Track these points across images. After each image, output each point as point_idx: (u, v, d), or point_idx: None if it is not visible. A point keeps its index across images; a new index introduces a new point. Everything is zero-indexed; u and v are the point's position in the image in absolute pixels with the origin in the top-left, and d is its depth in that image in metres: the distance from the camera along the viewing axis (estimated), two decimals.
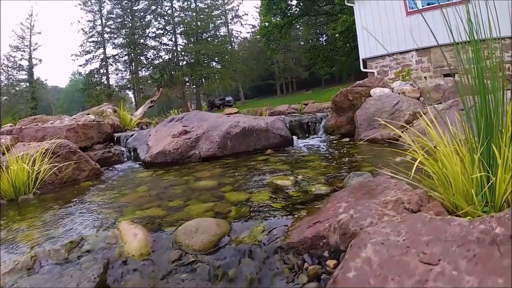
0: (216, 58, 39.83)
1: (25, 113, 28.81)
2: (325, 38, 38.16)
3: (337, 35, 26.50)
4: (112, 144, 4.35)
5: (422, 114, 1.99)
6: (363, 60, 11.84)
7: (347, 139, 3.87)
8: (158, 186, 2.39)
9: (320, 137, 4.45)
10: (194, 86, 39.49)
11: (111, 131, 4.49)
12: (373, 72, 11.18)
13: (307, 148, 3.55)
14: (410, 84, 4.21)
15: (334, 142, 3.83)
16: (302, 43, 44.22)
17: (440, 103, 3.50)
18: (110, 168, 3.54)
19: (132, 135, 4.17)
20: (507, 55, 9.46)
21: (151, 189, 2.31)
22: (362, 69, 11.66)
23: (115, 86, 36.98)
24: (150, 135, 3.76)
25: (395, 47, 11.02)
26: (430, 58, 10.74)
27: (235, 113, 7.69)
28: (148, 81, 39.53)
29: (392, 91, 4.06)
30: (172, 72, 36.49)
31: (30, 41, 35.65)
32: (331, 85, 30.38)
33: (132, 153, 3.78)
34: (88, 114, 5.42)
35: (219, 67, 40.43)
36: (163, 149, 3.01)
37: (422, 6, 10.46)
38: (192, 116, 3.98)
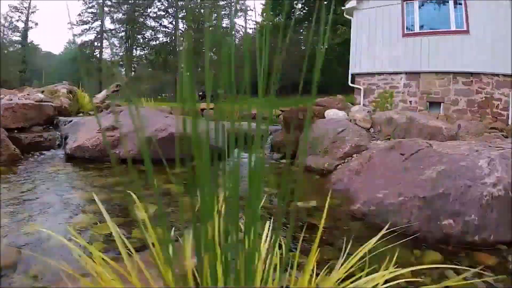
0: (214, 49, 39.46)
1: (13, 75, 27.91)
2: (326, 47, 38.15)
3: (335, 45, 26.59)
4: (51, 127, 4.13)
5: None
6: (352, 74, 11.66)
7: (287, 161, 3.48)
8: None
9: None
10: (188, 74, 38.93)
11: (54, 114, 4.26)
12: (360, 89, 11.16)
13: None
14: (368, 112, 4.11)
15: (273, 161, 3.68)
16: (303, 47, 44.24)
17: (389, 139, 3.40)
18: (37, 155, 3.36)
19: (71, 121, 3.95)
20: (499, 92, 9.47)
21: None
22: (350, 84, 11.50)
23: (108, 61, 36.19)
24: (85, 124, 3.54)
25: (386, 66, 10.92)
26: (419, 83, 10.69)
27: (210, 108, 7.55)
28: (143, 61, 39.01)
29: (347, 115, 3.96)
30: (168, 56, 36.02)
31: (29, 3, 34.56)
32: (321, 95, 30.49)
33: (63, 141, 3.57)
34: (43, 91, 5.16)
35: (216, 58, 40.13)
36: (82, 144, 2.82)
37: (420, 30, 10.39)
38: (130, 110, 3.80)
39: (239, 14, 41.53)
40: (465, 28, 9.78)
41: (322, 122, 3.74)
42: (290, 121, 4.00)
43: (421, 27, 10.48)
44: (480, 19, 9.75)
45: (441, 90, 10.26)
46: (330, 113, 3.91)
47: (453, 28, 10.05)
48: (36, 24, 34.90)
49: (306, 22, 33.75)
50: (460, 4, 10.02)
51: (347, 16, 12.05)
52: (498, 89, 9.51)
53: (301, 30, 41.55)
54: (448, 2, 10.15)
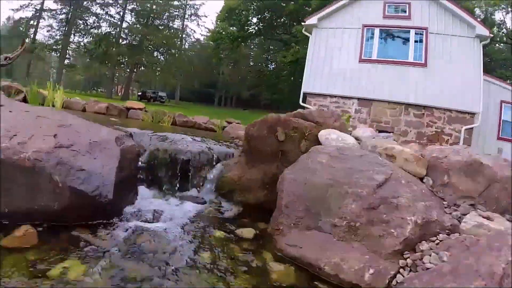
0: (162, 49, 38.38)
1: None
2: (273, 66, 39.55)
3: (284, 64, 27.50)
4: None
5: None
6: (304, 93, 11.63)
7: (251, 229, 2.65)
8: None
9: (200, 201, 3.25)
10: (129, 70, 36.91)
11: None
12: (310, 109, 11.39)
13: (130, 248, 2.12)
14: (411, 144, 2.99)
15: (223, 231, 2.56)
16: (251, 63, 45.13)
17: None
18: None
19: None
20: (450, 128, 9.84)
21: None
22: (301, 103, 11.46)
23: (41, 43, 32.52)
24: None
25: (339, 90, 11.00)
26: (370, 110, 10.73)
27: (139, 109, 6.92)
28: (80, 49, 36.05)
29: (359, 143, 3.02)
30: (109, 48, 33.75)
31: None
32: (269, 110, 31.16)
33: None
34: None
35: (162, 58, 38.97)
36: None
37: (377, 57, 10.69)
38: None
39: (192, 18, 40.57)
40: (423, 61, 10.44)
41: (327, 152, 2.56)
42: (257, 144, 3.00)
43: (379, 54, 10.71)
44: (438, 54, 10.12)
45: (391, 119, 10.53)
46: (332, 136, 2.81)
47: (411, 59, 10.44)
48: None
49: (259, 38, 34.54)
50: (421, 41, 10.30)
51: (306, 33, 12.13)
52: (450, 124, 9.91)
53: (252, 46, 42.51)
54: (408, 40, 10.61)
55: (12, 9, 32.55)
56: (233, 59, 38.51)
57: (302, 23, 12.74)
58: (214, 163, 3.69)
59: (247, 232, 2.61)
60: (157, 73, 39.11)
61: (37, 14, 31.59)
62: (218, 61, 31.60)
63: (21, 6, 30.63)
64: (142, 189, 3.25)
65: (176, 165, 3.52)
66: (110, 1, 34.86)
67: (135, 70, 38.05)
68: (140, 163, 3.37)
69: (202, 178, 3.59)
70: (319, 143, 3.17)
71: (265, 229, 2.76)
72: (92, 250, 2.00)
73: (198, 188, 3.57)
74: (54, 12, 32.41)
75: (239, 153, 3.62)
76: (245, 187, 3.32)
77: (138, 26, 35.63)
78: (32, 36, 31.77)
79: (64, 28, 32.94)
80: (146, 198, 3.13)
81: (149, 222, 2.61)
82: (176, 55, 37.79)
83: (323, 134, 3.33)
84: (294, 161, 2.96)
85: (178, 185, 3.48)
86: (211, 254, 2.10)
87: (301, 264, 2.18)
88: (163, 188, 3.43)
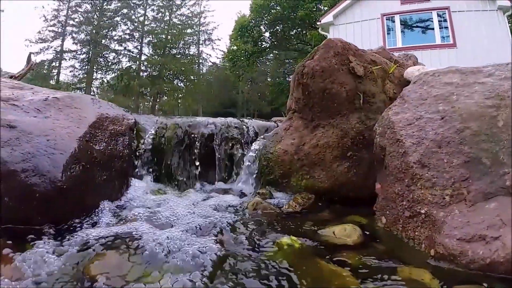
0: (181, 76, 38.92)
1: None
2: (291, 78, 38.67)
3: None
4: None
5: None
6: None
7: (350, 226, 1.26)
8: None
9: (235, 193, 2.05)
10: (152, 100, 37.32)
11: None
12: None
13: None
14: None
15: (297, 235, 1.20)
16: (269, 79, 44.76)
17: None
18: None
19: None
20: None
21: None
22: None
23: (65, 83, 33.70)
24: None
25: None
26: None
27: None
28: (104, 85, 37.14)
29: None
30: (131, 81, 34.45)
31: None
32: None
33: None
34: None
35: (182, 85, 39.45)
36: None
37: (402, 45, 9.81)
38: None
39: (207, 43, 41.53)
40: (451, 42, 9.39)
41: (459, 71, 1.58)
42: (323, 84, 1.85)
43: (404, 42, 10.01)
44: (465, 32, 9.48)
45: None
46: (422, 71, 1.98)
47: (438, 42, 9.67)
48: None
49: (273, 52, 34.07)
50: (446, 21, 9.75)
51: (322, 32, 11.44)
52: None
53: (268, 63, 42.17)
54: (432, 22, 9.82)
55: (33, 53, 34.02)
56: (250, 77, 38.22)
57: (318, 23, 12.03)
58: (252, 138, 2.39)
59: (345, 232, 1.21)
60: (179, 100, 39.40)
61: (58, 55, 32.80)
62: (237, 79, 31.21)
63: (40, 49, 31.88)
64: (140, 182, 1.97)
65: (193, 144, 2.24)
66: (127, 37, 35.87)
67: (157, 99, 38.56)
68: (141, 144, 2.12)
69: (235, 161, 2.28)
70: (404, 87, 1.88)
71: (371, 224, 1.37)
72: None
73: (229, 176, 2.26)
74: (74, 53, 33.58)
75: (289, 114, 2.28)
76: (309, 162, 1.95)
77: (156, 57, 36.29)
78: (55, 77, 32.88)
79: (86, 67, 33.95)
80: (146, 193, 1.84)
81: (139, 225, 1.29)
82: (195, 80, 37.96)
83: (412, 70, 2.14)
84: (382, 112, 1.69)
85: (198, 174, 2.18)
86: None
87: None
88: (177, 179, 2.14)
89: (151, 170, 2.15)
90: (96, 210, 1.48)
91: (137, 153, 2.16)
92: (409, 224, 1.21)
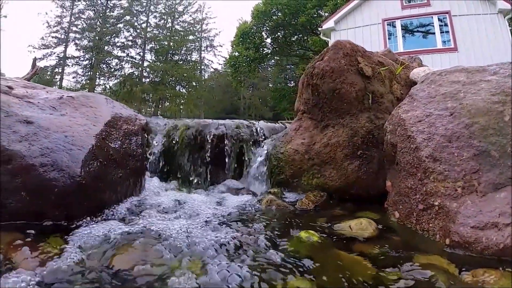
0: (183, 82, 39.14)
1: None
2: (292, 84, 38.84)
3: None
4: None
5: None
6: None
7: (365, 221, 1.28)
8: None
9: (246, 193, 2.04)
10: (154, 105, 37.51)
11: None
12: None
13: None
14: None
15: (314, 229, 1.24)
16: (270, 85, 44.95)
17: None
18: None
19: None
20: None
21: None
22: None
23: (69, 88, 33.92)
24: None
25: None
26: None
27: None
28: (106, 91, 37.34)
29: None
30: (133, 87, 34.67)
31: None
32: None
33: None
34: None
35: (184, 91, 39.66)
36: None
37: (404, 50, 9.86)
38: None
39: (209, 49, 41.80)
40: (452, 46, 9.43)
41: (465, 70, 1.63)
42: (333, 84, 1.86)
43: (405, 46, 10.04)
44: (466, 36, 9.50)
45: None
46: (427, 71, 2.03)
47: (440, 46, 9.69)
48: None
49: (275, 58, 34.25)
50: (447, 25, 9.80)
51: (324, 38, 11.53)
52: None
53: (269, 68, 42.38)
54: (433, 27, 9.88)
55: (34, 59, 34.18)
56: (252, 83, 38.39)
57: (319, 29, 12.11)
58: (261, 139, 2.42)
59: (361, 225, 1.24)
60: (181, 106, 39.57)
61: (61, 62, 33.06)
62: (238, 85, 31.33)
63: (43, 55, 32.13)
64: (153, 181, 2.00)
65: (204, 144, 2.28)
66: (130, 43, 36.18)
67: (159, 105, 38.74)
68: (150, 146, 2.16)
69: (245, 160, 2.31)
70: (410, 87, 1.95)
71: (384, 219, 1.40)
72: None
73: (239, 175, 2.29)
74: (77, 59, 33.86)
75: (298, 115, 2.31)
76: (320, 162, 1.99)
77: (158, 63, 36.54)
78: (58, 83, 33.10)
79: (89, 73, 34.21)
80: (159, 192, 1.87)
81: (158, 221, 1.32)
82: (197, 86, 38.16)
83: (418, 71, 2.18)
84: (390, 112, 1.79)
85: (208, 173, 2.21)
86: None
87: None
88: (188, 178, 2.18)
89: (163, 169, 2.19)
90: (113, 206, 1.51)
91: (149, 153, 2.20)
92: (423, 216, 1.24)
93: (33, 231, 1.18)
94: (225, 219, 1.37)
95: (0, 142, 1.32)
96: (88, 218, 1.34)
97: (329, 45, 10.35)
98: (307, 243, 1.10)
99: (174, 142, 2.31)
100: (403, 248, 1.07)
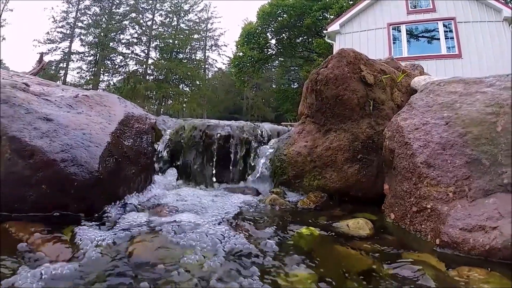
0: (187, 81, 39.23)
1: None
2: (296, 86, 38.93)
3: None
4: None
5: None
6: None
7: (361, 220, 1.36)
8: None
9: (251, 192, 2.09)
10: (157, 103, 37.67)
11: None
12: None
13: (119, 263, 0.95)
14: None
15: (314, 226, 1.32)
16: (273, 85, 45.02)
17: None
18: None
19: None
20: None
21: None
22: None
23: (73, 84, 34.07)
24: None
25: None
26: None
27: None
28: (110, 87, 37.48)
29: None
30: (137, 84, 34.81)
31: None
32: None
33: None
34: None
35: (187, 90, 39.74)
36: None
37: (408, 55, 9.93)
38: None
39: (213, 48, 41.83)
40: (457, 52, 9.48)
41: (463, 81, 1.68)
42: (336, 90, 1.93)
43: (410, 51, 10.10)
44: (471, 43, 9.54)
45: None
46: (428, 80, 2.05)
47: (444, 52, 9.74)
48: (4, 38, 32.12)
49: (279, 59, 34.30)
50: (452, 31, 9.85)
51: (329, 41, 11.60)
52: None
53: (273, 69, 42.44)
54: (438, 33, 9.93)
55: (40, 53, 34.18)
56: (256, 83, 38.47)
57: (324, 31, 12.18)
58: (265, 140, 2.51)
59: (358, 224, 1.34)
60: (184, 104, 39.67)
61: (66, 57, 33.25)
62: (242, 85, 31.37)
63: (48, 50, 32.32)
64: (163, 178, 2.10)
65: (210, 145, 2.37)
66: (135, 41, 36.35)
67: (163, 103, 38.86)
68: (159, 145, 2.25)
69: (250, 161, 2.40)
70: (410, 95, 2.04)
71: (380, 220, 1.49)
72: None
73: (244, 175, 2.37)
74: (82, 54, 34.05)
75: (302, 119, 2.41)
76: (321, 164, 2.08)
77: (162, 61, 36.67)
78: (62, 78, 33.28)
79: (93, 69, 34.39)
80: (168, 188, 1.97)
81: (169, 214, 1.42)
82: (201, 85, 38.28)
83: (418, 80, 2.28)
84: (390, 118, 1.90)
85: (214, 172, 2.30)
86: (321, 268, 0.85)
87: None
88: (195, 177, 2.27)
89: (172, 168, 2.29)
90: (127, 200, 1.61)
91: (157, 151, 2.29)
92: (416, 218, 1.33)
93: (53, 222, 1.28)
94: (231, 215, 1.47)
95: None
96: (105, 210, 1.44)
97: (334, 48, 10.36)
98: (308, 238, 1.19)
99: (181, 141, 2.41)
100: (396, 246, 1.17)
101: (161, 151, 2.31)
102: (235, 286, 0.83)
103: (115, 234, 1.19)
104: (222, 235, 1.16)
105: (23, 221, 1.28)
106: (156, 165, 2.23)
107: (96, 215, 1.42)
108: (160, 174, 2.21)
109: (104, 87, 36.79)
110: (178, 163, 2.37)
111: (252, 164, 2.43)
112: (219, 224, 1.30)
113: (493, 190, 1.21)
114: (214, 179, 2.35)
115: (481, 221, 1.11)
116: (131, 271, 0.91)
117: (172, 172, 2.22)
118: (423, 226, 1.29)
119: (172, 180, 2.17)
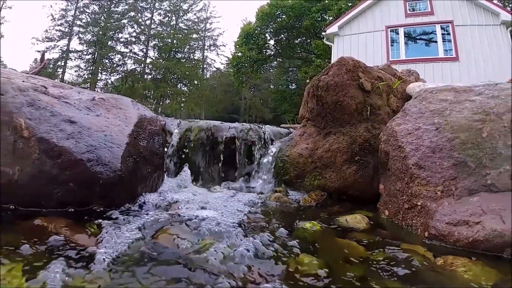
0: (185, 80, 39.20)
1: None
2: (294, 86, 39.10)
3: (307, 80, 26.71)
4: None
5: None
6: None
7: (358, 216, 1.52)
8: None
9: (255, 191, 2.29)
10: (155, 103, 37.68)
11: None
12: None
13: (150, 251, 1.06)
14: None
15: (316, 221, 1.46)
16: (272, 86, 45.12)
17: None
18: None
19: None
20: None
21: None
22: None
23: (71, 82, 34.00)
24: None
25: None
26: None
27: None
28: (108, 86, 37.39)
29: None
30: (135, 83, 34.77)
31: None
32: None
33: None
34: None
35: (185, 89, 39.73)
36: None
37: (406, 57, 10.02)
38: None
39: (212, 48, 41.84)
40: (454, 55, 9.62)
41: (453, 89, 1.79)
42: (336, 96, 2.06)
43: (408, 54, 10.21)
44: (468, 46, 9.65)
45: None
46: (422, 87, 2.15)
47: (441, 55, 9.86)
48: (2, 36, 31.94)
49: (277, 60, 34.42)
50: (449, 34, 9.96)
51: (327, 42, 11.73)
52: None
53: (271, 70, 42.58)
54: (436, 36, 10.04)
55: (39, 51, 33.93)
56: (254, 83, 38.59)
57: (323, 33, 12.29)
58: (268, 142, 2.66)
59: (355, 219, 1.49)
60: (182, 104, 39.69)
61: (64, 55, 33.20)
62: (240, 85, 31.44)
63: (47, 48, 32.27)
64: (169, 180, 2.24)
65: (217, 146, 2.51)
66: (133, 40, 36.35)
67: (160, 102, 38.87)
68: (169, 144, 2.39)
69: (254, 161, 2.55)
70: (406, 100, 2.21)
71: (376, 216, 1.64)
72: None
73: (248, 175, 2.52)
74: (80, 53, 34.01)
75: (303, 122, 2.56)
76: (321, 165, 2.23)
77: (161, 60, 36.69)
78: (60, 76, 33.24)
79: (91, 68, 34.36)
80: (178, 187, 2.11)
81: (183, 210, 1.57)
82: (199, 85, 38.31)
83: (413, 86, 2.43)
84: (386, 123, 2.05)
85: (220, 172, 2.45)
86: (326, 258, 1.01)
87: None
88: (202, 177, 2.41)
89: (180, 167, 2.43)
90: (143, 197, 1.75)
91: (167, 152, 2.43)
92: (408, 214, 1.48)
93: (82, 217, 1.41)
94: (239, 211, 1.61)
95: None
96: (127, 206, 1.58)
97: (332, 49, 10.38)
98: (311, 231, 1.34)
99: (189, 142, 2.55)
100: (389, 238, 1.32)
101: (170, 152, 2.45)
102: (257, 266, 0.98)
103: (138, 227, 1.33)
104: (233, 228, 1.31)
105: (51, 217, 1.42)
106: (169, 165, 2.37)
107: (118, 211, 1.56)
108: (171, 174, 2.35)
109: (102, 86, 36.75)
110: (187, 163, 2.51)
111: (256, 164, 2.57)
112: (233, 218, 1.45)
113: (477, 190, 1.37)
114: (220, 179, 2.49)
115: (465, 217, 1.26)
116: (155, 254, 1.05)
117: (185, 172, 2.36)
118: (414, 221, 1.44)
119: (187, 180, 2.31)
